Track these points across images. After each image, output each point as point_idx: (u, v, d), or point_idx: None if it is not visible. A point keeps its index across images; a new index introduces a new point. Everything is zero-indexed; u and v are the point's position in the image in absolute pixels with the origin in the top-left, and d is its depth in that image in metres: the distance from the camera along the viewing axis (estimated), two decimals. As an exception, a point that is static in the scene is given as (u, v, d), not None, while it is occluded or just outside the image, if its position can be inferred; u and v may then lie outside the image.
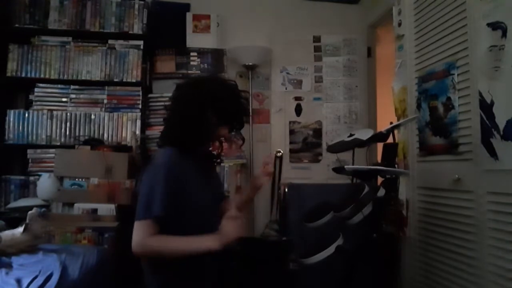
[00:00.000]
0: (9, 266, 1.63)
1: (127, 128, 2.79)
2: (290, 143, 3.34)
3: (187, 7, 3.19)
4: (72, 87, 2.80)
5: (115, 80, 2.82)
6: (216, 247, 1.29)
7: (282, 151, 3.27)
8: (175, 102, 1.53)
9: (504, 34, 1.59)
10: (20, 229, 1.86)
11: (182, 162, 1.42)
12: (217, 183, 1.71)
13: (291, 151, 3.33)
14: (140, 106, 2.83)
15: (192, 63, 3.09)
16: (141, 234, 1.32)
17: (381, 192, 1.78)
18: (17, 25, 2.76)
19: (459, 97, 1.89)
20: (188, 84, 1.55)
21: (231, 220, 1.32)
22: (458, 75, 1.89)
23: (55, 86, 2.78)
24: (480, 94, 1.71)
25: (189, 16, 3.15)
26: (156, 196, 1.34)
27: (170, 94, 1.56)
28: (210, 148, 1.65)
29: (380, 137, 2.04)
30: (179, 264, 1.34)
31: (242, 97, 1.56)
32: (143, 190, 1.37)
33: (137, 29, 2.87)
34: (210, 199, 1.54)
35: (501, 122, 1.60)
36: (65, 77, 2.78)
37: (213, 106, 1.44)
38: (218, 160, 1.66)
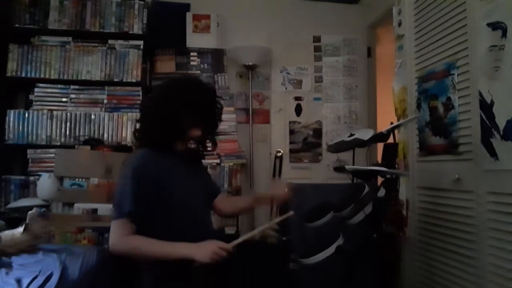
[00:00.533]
0: (9, 266, 1.63)
1: (127, 128, 2.78)
2: (290, 143, 3.34)
3: (187, 7, 3.19)
4: (72, 87, 2.80)
5: (115, 80, 2.82)
6: (190, 257, 1.32)
7: (282, 151, 3.27)
8: (149, 102, 1.57)
9: (504, 34, 1.59)
10: (20, 229, 1.86)
11: (156, 161, 1.45)
12: (204, 180, 1.71)
13: (291, 151, 3.33)
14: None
15: (192, 63, 3.10)
16: (117, 233, 1.38)
17: (381, 192, 1.78)
18: (17, 25, 2.76)
19: (459, 97, 1.89)
20: (164, 85, 1.59)
21: (216, 246, 1.33)
22: (458, 75, 1.89)
23: (55, 86, 2.78)
24: (480, 94, 1.71)
25: (189, 16, 3.15)
26: (126, 195, 1.38)
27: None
28: (193, 147, 1.65)
29: (381, 137, 2.04)
30: (173, 261, 1.36)
31: (217, 102, 1.58)
32: (115, 191, 1.43)
33: (137, 29, 2.87)
34: (195, 196, 1.55)
35: (501, 122, 1.60)
36: (65, 77, 2.78)
37: (186, 108, 1.46)
38: (203, 159, 1.69)
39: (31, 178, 2.63)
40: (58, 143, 2.70)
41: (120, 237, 1.37)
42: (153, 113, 1.51)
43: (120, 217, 1.38)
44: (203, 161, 1.80)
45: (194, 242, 1.42)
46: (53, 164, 2.50)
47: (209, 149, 1.67)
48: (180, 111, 1.46)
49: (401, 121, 2.26)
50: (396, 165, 2.20)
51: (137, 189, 1.39)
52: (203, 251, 1.32)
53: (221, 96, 1.63)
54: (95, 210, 2.26)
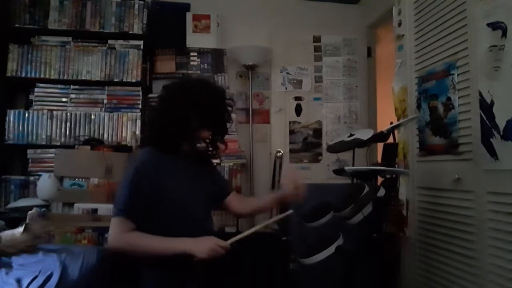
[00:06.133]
0: (9, 266, 1.63)
1: (127, 128, 2.79)
2: (290, 143, 3.34)
3: (187, 7, 3.19)
4: (72, 87, 2.80)
5: (115, 80, 2.82)
6: (188, 251, 1.34)
7: (282, 151, 3.27)
8: (158, 102, 1.57)
9: (504, 34, 1.59)
10: (20, 229, 1.86)
11: (158, 161, 1.46)
12: (210, 181, 1.69)
13: (291, 151, 3.33)
14: (140, 106, 2.83)
15: (192, 63, 3.10)
16: (115, 229, 1.40)
17: (381, 192, 1.78)
18: (17, 25, 2.76)
19: (459, 97, 1.89)
20: (174, 85, 1.58)
21: (214, 242, 1.35)
22: (458, 75, 1.89)
23: (55, 86, 2.78)
24: (480, 94, 1.71)
25: (189, 16, 3.15)
26: (122, 193, 1.41)
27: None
28: (202, 148, 1.65)
29: (381, 137, 2.04)
30: (170, 258, 1.37)
31: (227, 104, 1.58)
32: (117, 189, 1.46)
33: (137, 29, 2.87)
34: (194, 198, 1.54)
35: (501, 122, 1.60)
36: (65, 77, 2.78)
37: (195, 109, 1.47)
38: (212, 159, 1.68)
39: (31, 178, 2.63)
40: (58, 143, 2.70)
41: (118, 234, 1.39)
42: (161, 113, 1.51)
43: (117, 215, 1.41)
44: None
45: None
46: (53, 164, 2.50)
47: (219, 150, 1.66)
48: (189, 112, 1.46)
49: (401, 121, 2.26)
50: (396, 165, 2.20)
51: (135, 189, 1.40)
52: (200, 246, 1.34)
53: (231, 98, 1.62)
54: (95, 210, 2.26)
